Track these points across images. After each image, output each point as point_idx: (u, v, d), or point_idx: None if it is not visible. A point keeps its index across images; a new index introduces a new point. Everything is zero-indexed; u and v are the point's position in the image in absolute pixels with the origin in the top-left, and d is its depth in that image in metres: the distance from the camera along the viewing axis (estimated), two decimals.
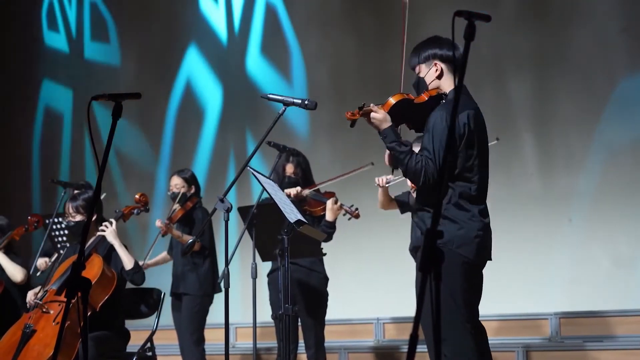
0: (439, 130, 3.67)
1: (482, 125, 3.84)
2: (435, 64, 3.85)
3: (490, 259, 3.86)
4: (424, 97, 3.82)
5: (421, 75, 3.89)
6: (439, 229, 2.34)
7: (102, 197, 5.80)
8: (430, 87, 3.86)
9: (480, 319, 3.86)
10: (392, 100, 3.78)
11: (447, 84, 3.86)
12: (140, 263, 5.69)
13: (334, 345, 6.64)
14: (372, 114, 3.74)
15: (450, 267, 3.63)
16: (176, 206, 6.09)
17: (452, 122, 2.53)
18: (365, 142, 6.83)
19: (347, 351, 6.82)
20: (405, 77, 3.95)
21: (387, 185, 5.19)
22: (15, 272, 5.91)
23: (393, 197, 5.32)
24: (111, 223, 5.16)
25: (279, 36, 8.64)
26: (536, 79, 7.36)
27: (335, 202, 5.41)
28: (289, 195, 5.29)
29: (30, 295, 5.11)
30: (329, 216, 5.41)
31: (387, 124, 3.74)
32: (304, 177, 5.63)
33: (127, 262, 5.11)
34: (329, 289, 5.61)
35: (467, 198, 3.75)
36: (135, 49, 9.51)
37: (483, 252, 3.79)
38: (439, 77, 3.86)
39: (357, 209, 5.45)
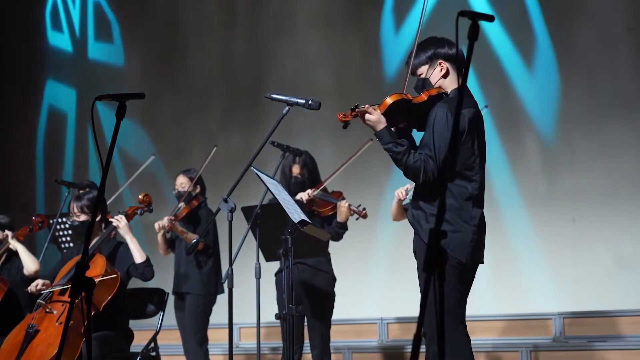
0: (439, 127, 3.61)
1: (482, 127, 3.79)
2: (440, 63, 3.80)
3: (482, 262, 3.79)
4: (424, 96, 3.75)
5: (425, 75, 3.83)
6: (441, 230, 2.34)
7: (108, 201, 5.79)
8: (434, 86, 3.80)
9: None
10: (388, 100, 3.69)
11: (451, 83, 3.81)
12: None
13: (338, 345, 6.64)
14: (367, 116, 3.66)
15: (444, 269, 3.61)
16: (181, 204, 6.13)
17: (455, 120, 2.50)
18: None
19: (351, 351, 6.82)
20: (410, 78, 3.90)
21: (407, 196, 5.18)
22: (31, 263, 5.88)
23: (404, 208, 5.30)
24: (121, 219, 5.18)
25: (282, 36, 8.63)
26: (540, 78, 7.35)
27: (344, 203, 5.42)
28: (300, 200, 5.29)
29: (38, 281, 5.09)
30: (340, 217, 5.42)
31: (382, 125, 3.67)
32: (311, 177, 5.63)
33: (139, 256, 5.13)
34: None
35: (466, 198, 3.68)
36: (138, 49, 9.51)
37: (477, 255, 3.72)
38: (445, 76, 3.80)
39: (364, 209, 5.46)
